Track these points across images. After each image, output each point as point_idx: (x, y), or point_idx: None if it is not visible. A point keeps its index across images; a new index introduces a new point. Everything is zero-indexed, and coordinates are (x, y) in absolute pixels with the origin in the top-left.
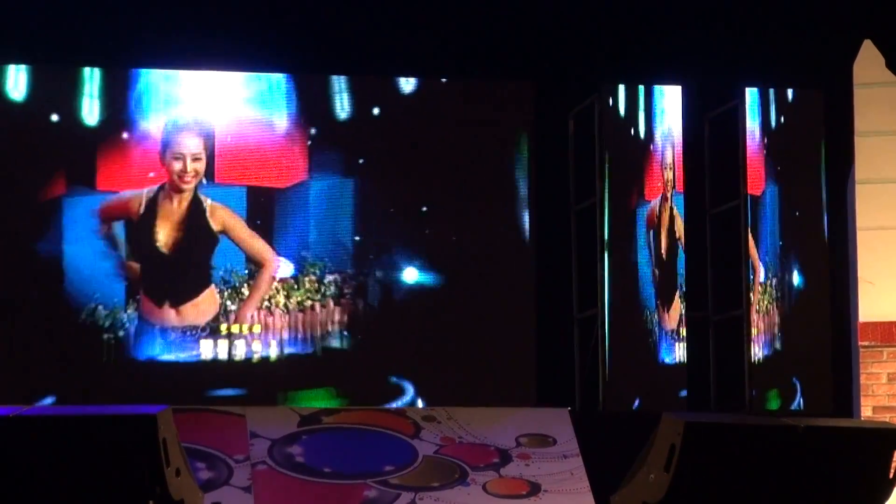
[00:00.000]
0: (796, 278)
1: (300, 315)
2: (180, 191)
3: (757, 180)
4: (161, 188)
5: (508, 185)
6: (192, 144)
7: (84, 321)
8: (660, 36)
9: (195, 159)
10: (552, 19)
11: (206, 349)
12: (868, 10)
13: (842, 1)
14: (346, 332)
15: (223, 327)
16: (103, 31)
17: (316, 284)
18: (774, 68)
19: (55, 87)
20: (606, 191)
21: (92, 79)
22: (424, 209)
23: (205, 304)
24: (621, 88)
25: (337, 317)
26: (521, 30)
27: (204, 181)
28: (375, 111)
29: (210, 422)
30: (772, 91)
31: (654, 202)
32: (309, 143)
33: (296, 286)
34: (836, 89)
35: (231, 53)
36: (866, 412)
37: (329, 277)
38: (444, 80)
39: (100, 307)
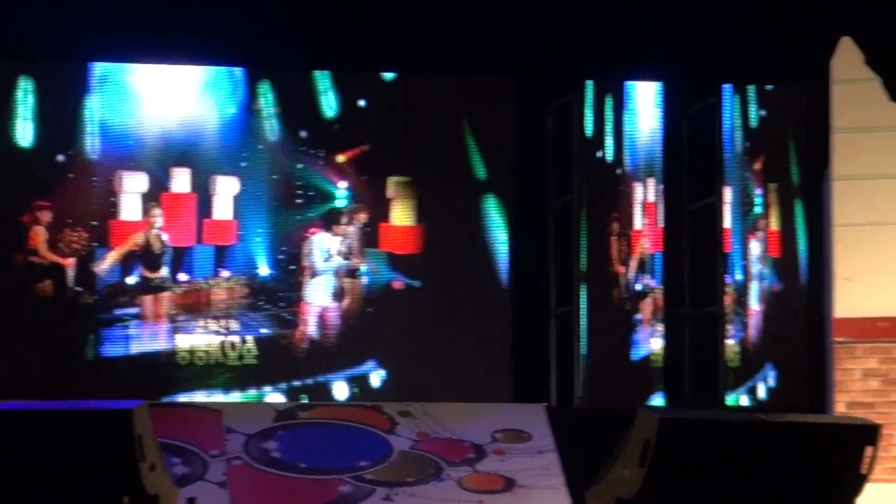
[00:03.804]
0: (773, 275)
1: (276, 311)
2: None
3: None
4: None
5: (486, 180)
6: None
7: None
8: (639, 33)
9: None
10: (532, 15)
11: (186, 342)
12: (846, 7)
13: None
14: (322, 328)
15: (202, 322)
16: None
17: (293, 282)
18: (753, 65)
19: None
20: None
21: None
22: (401, 204)
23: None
24: (589, 112)
25: (312, 313)
26: (501, 26)
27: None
28: (358, 104)
29: (186, 417)
30: (751, 88)
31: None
32: (285, 141)
33: (271, 284)
34: (814, 86)
35: (188, 47)
36: (840, 408)
37: (305, 274)
38: (422, 75)
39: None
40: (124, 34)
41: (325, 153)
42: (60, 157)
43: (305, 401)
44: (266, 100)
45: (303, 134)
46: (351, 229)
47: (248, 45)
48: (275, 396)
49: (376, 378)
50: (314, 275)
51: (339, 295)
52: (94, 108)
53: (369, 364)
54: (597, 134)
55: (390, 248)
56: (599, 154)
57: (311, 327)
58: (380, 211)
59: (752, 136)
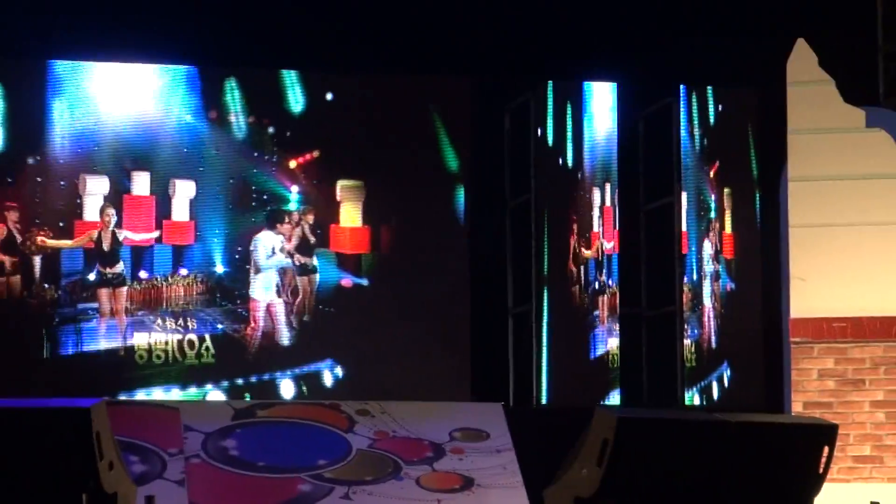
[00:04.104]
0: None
1: (232, 307)
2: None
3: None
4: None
5: (444, 179)
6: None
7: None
8: (595, 33)
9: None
10: (489, 14)
11: (143, 339)
12: (802, 9)
13: (776, 0)
14: (282, 326)
15: (160, 320)
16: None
17: (249, 280)
18: (709, 66)
19: None
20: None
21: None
22: (361, 202)
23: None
24: (550, 121)
25: (272, 310)
26: (459, 25)
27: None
28: (325, 98)
29: (144, 415)
30: (709, 89)
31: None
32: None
33: (227, 282)
34: (769, 87)
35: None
36: (797, 408)
37: (263, 272)
38: (381, 74)
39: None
40: (88, 33)
41: (278, 159)
42: (31, 161)
43: (248, 399)
44: (232, 97)
45: (270, 130)
46: (297, 229)
47: (211, 43)
48: (216, 394)
49: (331, 376)
50: (258, 271)
51: (290, 293)
52: (59, 112)
53: (325, 362)
54: (558, 141)
55: (339, 247)
56: (561, 161)
57: (263, 325)
58: (329, 212)
59: (711, 134)
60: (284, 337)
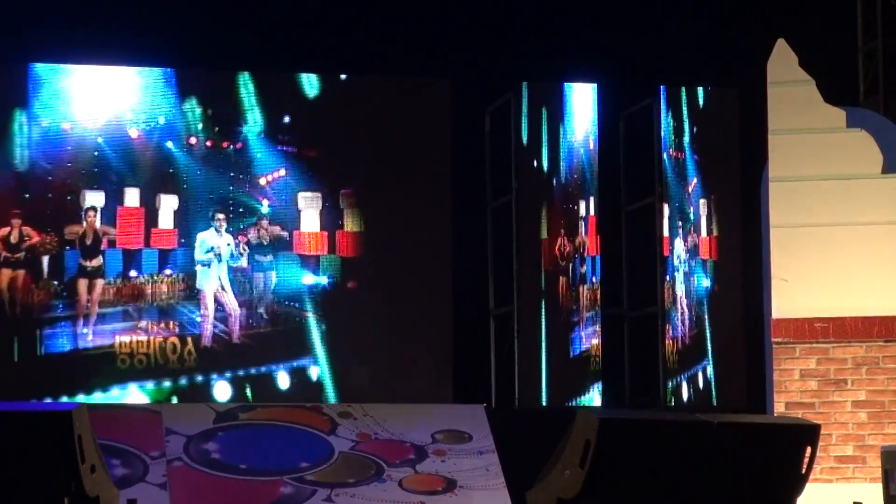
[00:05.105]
0: (710, 276)
1: (218, 306)
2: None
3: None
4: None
5: (425, 180)
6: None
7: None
8: (575, 34)
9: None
10: (470, 17)
11: (122, 338)
12: (782, 10)
13: (756, 0)
14: (264, 326)
15: (142, 321)
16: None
17: (233, 276)
18: (689, 67)
19: None
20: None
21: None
22: (342, 205)
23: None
24: (545, 148)
25: (255, 310)
26: (438, 27)
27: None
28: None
29: (125, 418)
30: (685, 90)
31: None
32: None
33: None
34: (750, 88)
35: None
36: (779, 408)
37: (202, 267)
38: (362, 76)
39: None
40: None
41: (250, 177)
42: (50, 178)
43: (174, 400)
44: (246, 90)
45: (286, 119)
46: (252, 232)
47: (197, 46)
48: (138, 397)
49: (311, 377)
50: (200, 266)
51: (252, 291)
52: (64, 134)
53: (304, 361)
54: (536, 145)
55: (302, 250)
56: (544, 168)
57: (231, 319)
58: (294, 219)
59: (700, 121)
60: (271, 337)
